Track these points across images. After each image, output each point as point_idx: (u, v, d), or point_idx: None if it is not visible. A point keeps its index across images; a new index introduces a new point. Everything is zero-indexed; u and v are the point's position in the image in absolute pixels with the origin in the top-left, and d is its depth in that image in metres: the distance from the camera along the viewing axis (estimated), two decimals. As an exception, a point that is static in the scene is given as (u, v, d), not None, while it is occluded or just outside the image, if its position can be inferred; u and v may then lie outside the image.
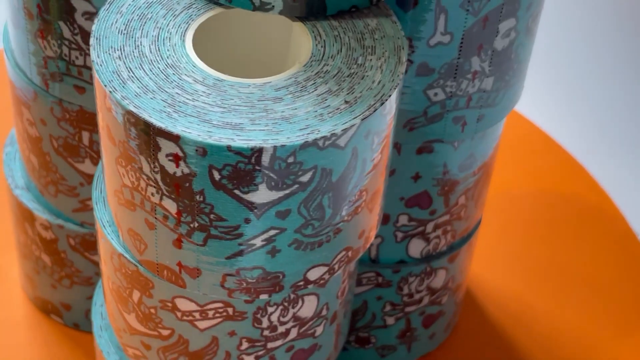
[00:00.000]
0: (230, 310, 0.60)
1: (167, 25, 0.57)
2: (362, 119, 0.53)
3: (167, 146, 0.52)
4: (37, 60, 0.69)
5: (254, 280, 0.57)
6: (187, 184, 0.53)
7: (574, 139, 1.20)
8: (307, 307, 0.62)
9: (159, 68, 0.55)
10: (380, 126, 0.54)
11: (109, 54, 0.55)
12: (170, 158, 0.52)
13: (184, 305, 0.60)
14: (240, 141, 0.51)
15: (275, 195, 0.53)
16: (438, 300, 0.78)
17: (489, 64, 0.64)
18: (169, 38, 0.57)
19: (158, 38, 0.56)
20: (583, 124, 1.27)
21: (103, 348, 0.69)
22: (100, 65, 0.55)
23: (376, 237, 0.74)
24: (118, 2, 0.58)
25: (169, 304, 0.61)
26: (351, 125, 0.52)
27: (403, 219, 0.72)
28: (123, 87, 0.53)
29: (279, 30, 0.60)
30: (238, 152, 0.51)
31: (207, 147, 0.51)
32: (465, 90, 0.65)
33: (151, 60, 0.55)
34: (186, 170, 0.52)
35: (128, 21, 0.57)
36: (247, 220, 0.54)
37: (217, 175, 0.52)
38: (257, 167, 0.52)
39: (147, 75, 0.54)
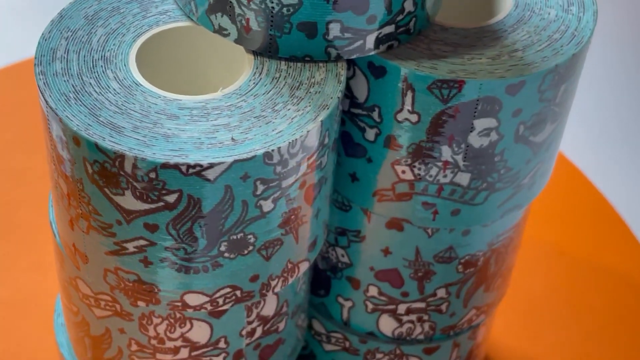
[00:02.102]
0: (117, 306, 0.61)
1: (132, 23, 0.60)
2: (235, 160, 0.52)
3: (55, 127, 0.54)
4: None
5: (131, 285, 0.58)
6: (71, 170, 0.55)
7: (568, 141, 1.16)
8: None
9: (93, 57, 0.57)
10: (265, 174, 0.54)
11: (61, 31, 0.58)
12: (58, 139, 0.55)
13: (82, 287, 0.62)
14: (110, 143, 0.52)
15: (141, 205, 0.54)
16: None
17: (463, 158, 0.61)
18: (123, 34, 0.59)
19: (114, 32, 0.59)
20: (578, 126, 1.24)
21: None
22: (47, 38, 0.58)
23: (347, 299, 0.72)
24: None
25: (73, 282, 0.63)
26: (220, 162, 0.52)
27: (373, 290, 0.70)
28: (50, 63, 0.56)
29: (233, 55, 0.60)
30: (104, 152, 0.52)
31: (80, 138, 0.53)
32: (435, 178, 0.62)
33: (92, 49, 0.58)
34: (67, 156, 0.55)
35: (99, 10, 0.60)
36: (119, 222, 0.55)
37: (89, 169, 0.54)
38: (122, 173, 0.53)
39: (78, 60, 0.57)
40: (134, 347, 0.63)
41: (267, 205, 0.55)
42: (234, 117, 0.55)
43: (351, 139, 0.63)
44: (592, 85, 1.34)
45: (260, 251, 0.57)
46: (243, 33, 0.57)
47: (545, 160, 0.64)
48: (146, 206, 0.54)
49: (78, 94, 0.55)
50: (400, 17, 0.58)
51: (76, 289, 0.63)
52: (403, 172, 0.62)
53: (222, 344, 0.63)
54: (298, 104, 0.56)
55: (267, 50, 0.58)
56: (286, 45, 0.57)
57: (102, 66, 0.57)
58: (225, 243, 0.56)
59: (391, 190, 0.63)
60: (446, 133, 0.60)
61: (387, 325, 0.72)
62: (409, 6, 0.57)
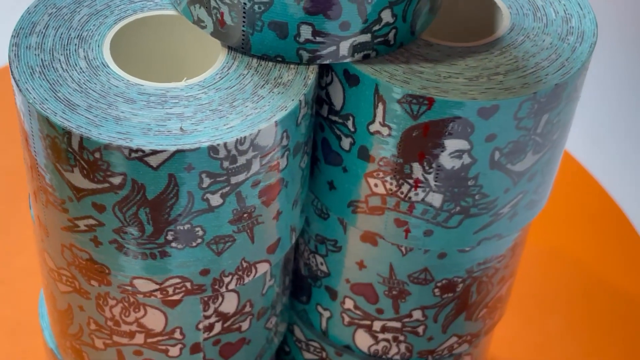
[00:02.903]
0: (76, 283, 0.62)
1: (118, 6, 0.60)
2: (179, 150, 0.52)
3: (18, 100, 0.56)
4: None
5: (85, 263, 0.59)
6: (32, 143, 0.56)
7: (572, 139, 1.15)
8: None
9: (70, 35, 0.58)
10: (211, 168, 0.54)
11: (46, 7, 0.60)
12: (20, 112, 0.56)
13: (48, 260, 0.63)
14: (61, 119, 0.53)
15: (89, 184, 0.55)
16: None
17: (434, 178, 0.60)
18: (106, 16, 0.60)
19: (98, 13, 0.60)
20: (582, 123, 1.20)
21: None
22: (31, 12, 0.59)
23: (325, 309, 0.71)
24: None
25: (42, 255, 0.64)
26: (162, 149, 0.52)
27: (349, 303, 0.69)
28: (27, 36, 0.58)
29: (212, 48, 0.60)
30: (54, 127, 0.53)
31: (36, 112, 0.54)
32: (407, 195, 0.61)
33: (71, 26, 0.59)
34: (28, 129, 0.56)
35: None
36: (70, 199, 0.56)
37: (44, 142, 0.55)
38: (70, 149, 0.54)
39: (55, 36, 0.58)
40: (93, 326, 0.64)
41: (214, 200, 0.55)
42: (189, 108, 0.55)
43: (329, 146, 0.62)
44: (600, 83, 1.33)
45: (210, 245, 0.57)
46: (218, 27, 0.57)
47: (529, 192, 0.62)
48: (93, 185, 0.54)
49: (44, 68, 0.56)
50: (377, 26, 0.57)
51: (44, 261, 0.64)
52: (376, 185, 0.61)
53: (177, 335, 0.63)
54: (258, 102, 0.55)
55: (241, 47, 0.58)
56: (258, 43, 0.57)
57: (76, 44, 0.58)
58: (172, 232, 0.56)
59: (365, 203, 0.63)
60: (416, 150, 0.58)
61: (363, 340, 0.71)
62: (387, 17, 0.56)
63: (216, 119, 0.54)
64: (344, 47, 0.57)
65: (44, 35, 0.58)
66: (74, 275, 0.61)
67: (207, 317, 0.63)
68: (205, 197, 0.55)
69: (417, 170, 0.59)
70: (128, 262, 0.58)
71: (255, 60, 0.58)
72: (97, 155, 0.53)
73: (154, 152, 0.52)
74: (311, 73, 0.57)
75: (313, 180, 0.65)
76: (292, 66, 0.57)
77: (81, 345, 0.66)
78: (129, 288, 0.59)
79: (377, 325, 0.69)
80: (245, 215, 0.57)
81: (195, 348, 0.65)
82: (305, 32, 0.56)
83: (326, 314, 0.71)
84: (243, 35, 0.57)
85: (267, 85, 0.56)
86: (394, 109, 0.57)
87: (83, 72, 0.56)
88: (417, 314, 0.68)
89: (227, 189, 0.55)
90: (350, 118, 0.60)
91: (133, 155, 0.52)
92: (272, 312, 0.67)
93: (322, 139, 0.62)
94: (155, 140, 0.53)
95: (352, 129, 0.60)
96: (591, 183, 1.02)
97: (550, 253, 0.94)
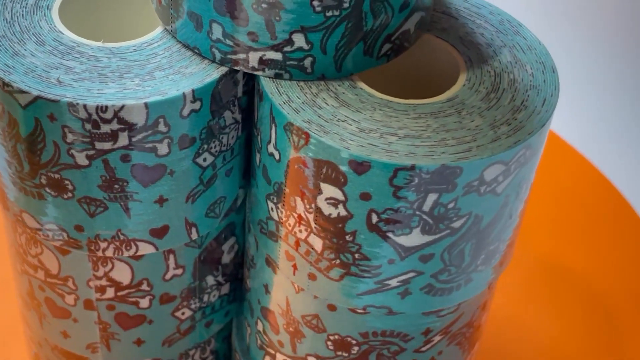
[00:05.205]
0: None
1: None
2: (40, 96, 0.55)
3: None
4: None
5: None
6: None
7: (580, 135, 1.13)
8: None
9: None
10: (72, 125, 0.55)
11: None
12: None
13: None
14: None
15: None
16: None
17: (314, 220, 0.58)
18: None
19: None
20: (588, 119, 1.20)
21: None
22: None
23: (248, 325, 0.70)
24: None
25: None
26: (27, 90, 0.55)
27: (260, 325, 0.68)
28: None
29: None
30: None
31: None
32: (293, 229, 0.59)
33: None
34: None
35: None
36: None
37: None
38: None
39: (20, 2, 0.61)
40: (12, 250, 0.68)
41: (80, 159, 0.57)
42: (84, 65, 0.57)
43: (250, 158, 0.62)
44: (605, 77, 1.28)
45: (81, 203, 0.59)
46: (157, 4, 0.59)
47: (425, 275, 0.58)
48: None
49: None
50: (289, 48, 0.55)
51: None
52: (272, 209, 0.60)
53: (70, 284, 0.65)
54: (145, 81, 0.56)
55: (170, 30, 0.59)
56: (181, 30, 0.58)
57: (37, 15, 0.60)
58: (45, 177, 0.58)
59: (266, 224, 0.61)
60: (299, 184, 0.56)
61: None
62: (299, 41, 0.55)
63: (96, 82, 0.56)
64: (254, 59, 0.56)
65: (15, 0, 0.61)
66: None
67: (97, 278, 0.65)
68: (70, 153, 0.56)
69: (300, 205, 0.57)
70: (16, 193, 0.61)
71: (179, 46, 0.58)
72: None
73: (20, 91, 0.55)
74: (216, 73, 0.57)
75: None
76: (205, 62, 0.57)
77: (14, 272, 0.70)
78: (20, 220, 0.62)
79: (279, 358, 0.67)
80: (116, 186, 0.58)
81: (89, 305, 0.66)
82: (217, 31, 0.56)
83: (248, 329, 0.70)
84: (171, 18, 0.58)
85: (169, 70, 0.57)
86: (282, 135, 0.56)
87: (25, 7, 0.59)
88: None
89: (92, 152, 0.56)
90: (260, 134, 0.59)
91: (6, 88, 0.55)
92: (182, 303, 0.68)
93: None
94: (27, 80, 0.55)
95: (259, 145, 0.59)
96: (602, 180, 1.03)
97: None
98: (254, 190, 0.62)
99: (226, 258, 0.68)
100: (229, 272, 0.69)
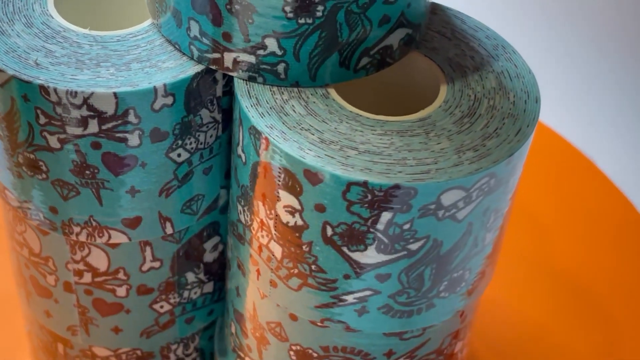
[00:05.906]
0: None
1: None
2: (15, 76, 0.56)
3: None
4: None
5: None
6: None
7: (581, 134, 1.12)
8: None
9: None
10: (44, 107, 0.56)
11: None
12: None
13: None
14: None
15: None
16: None
17: (274, 226, 0.57)
18: None
19: None
20: (590, 118, 1.18)
21: None
22: None
23: (229, 326, 0.71)
24: None
25: None
26: (3, 68, 0.56)
27: (232, 328, 0.68)
28: None
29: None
30: None
31: None
32: (257, 234, 0.59)
33: None
34: None
35: None
36: None
37: None
38: None
39: None
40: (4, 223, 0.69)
41: (52, 141, 0.58)
42: (64, 50, 0.58)
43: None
44: (605, 76, 1.26)
45: (55, 186, 0.60)
46: (147, -2, 0.60)
47: (382, 294, 0.57)
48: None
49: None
50: (262, 52, 0.55)
51: None
52: (240, 212, 0.60)
53: (50, 265, 0.67)
54: (120, 71, 0.57)
55: (156, 23, 0.59)
56: (164, 25, 0.58)
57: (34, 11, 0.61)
58: (21, 157, 0.59)
59: (236, 227, 0.61)
60: (261, 189, 0.56)
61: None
62: (272, 46, 0.55)
63: (72, 68, 0.56)
64: (228, 60, 0.56)
65: None
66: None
67: (75, 262, 0.65)
68: (43, 135, 0.58)
69: (262, 210, 0.57)
70: (1, 168, 0.62)
71: (162, 41, 0.59)
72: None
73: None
74: (192, 70, 0.57)
75: None
76: (184, 58, 0.58)
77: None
78: (3, 196, 0.64)
79: (248, 363, 0.67)
80: (87, 172, 0.59)
81: (68, 287, 0.67)
82: (194, 29, 0.56)
83: (226, 330, 0.70)
84: (157, 13, 0.58)
85: (145, 63, 0.57)
86: (247, 138, 0.56)
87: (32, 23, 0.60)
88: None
89: (63, 135, 0.57)
90: (233, 135, 0.59)
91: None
92: (161, 296, 0.68)
93: None
94: (7, 61, 0.56)
95: (233, 147, 0.59)
96: (603, 180, 1.03)
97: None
98: (230, 191, 0.62)
99: (209, 257, 0.68)
100: (213, 270, 0.69)
